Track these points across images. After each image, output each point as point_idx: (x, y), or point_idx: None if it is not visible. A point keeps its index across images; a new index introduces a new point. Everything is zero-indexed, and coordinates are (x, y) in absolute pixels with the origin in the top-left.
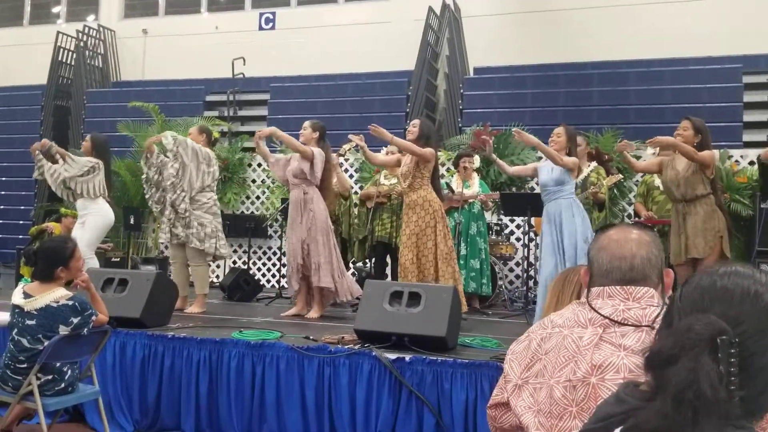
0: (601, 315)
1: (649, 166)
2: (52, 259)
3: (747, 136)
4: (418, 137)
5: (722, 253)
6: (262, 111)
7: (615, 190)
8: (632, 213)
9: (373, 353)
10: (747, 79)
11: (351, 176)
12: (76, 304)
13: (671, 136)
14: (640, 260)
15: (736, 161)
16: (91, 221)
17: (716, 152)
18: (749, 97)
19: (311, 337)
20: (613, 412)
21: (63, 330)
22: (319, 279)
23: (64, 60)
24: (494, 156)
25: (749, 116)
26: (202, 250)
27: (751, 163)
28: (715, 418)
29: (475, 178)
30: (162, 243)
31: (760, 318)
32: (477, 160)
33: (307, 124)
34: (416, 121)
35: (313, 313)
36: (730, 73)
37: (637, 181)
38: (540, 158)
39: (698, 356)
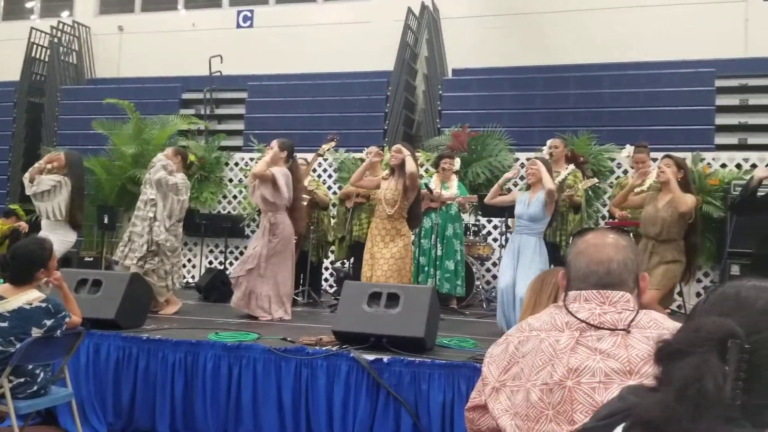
0: (578, 319)
1: (636, 201)
2: (32, 262)
3: (719, 139)
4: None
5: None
6: (240, 109)
7: (590, 192)
8: (606, 214)
9: (351, 354)
10: (719, 83)
11: (330, 176)
12: (50, 306)
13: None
14: (617, 265)
15: (708, 164)
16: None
17: (695, 198)
18: (721, 100)
19: (289, 339)
20: (616, 410)
21: (36, 332)
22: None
23: (37, 56)
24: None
25: (721, 119)
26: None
27: (723, 165)
28: (714, 416)
29: (454, 180)
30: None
31: None
32: (458, 163)
33: (274, 143)
34: (400, 146)
35: (284, 315)
36: (703, 77)
37: (612, 183)
38: (529, 187)
39: (706, 354)
